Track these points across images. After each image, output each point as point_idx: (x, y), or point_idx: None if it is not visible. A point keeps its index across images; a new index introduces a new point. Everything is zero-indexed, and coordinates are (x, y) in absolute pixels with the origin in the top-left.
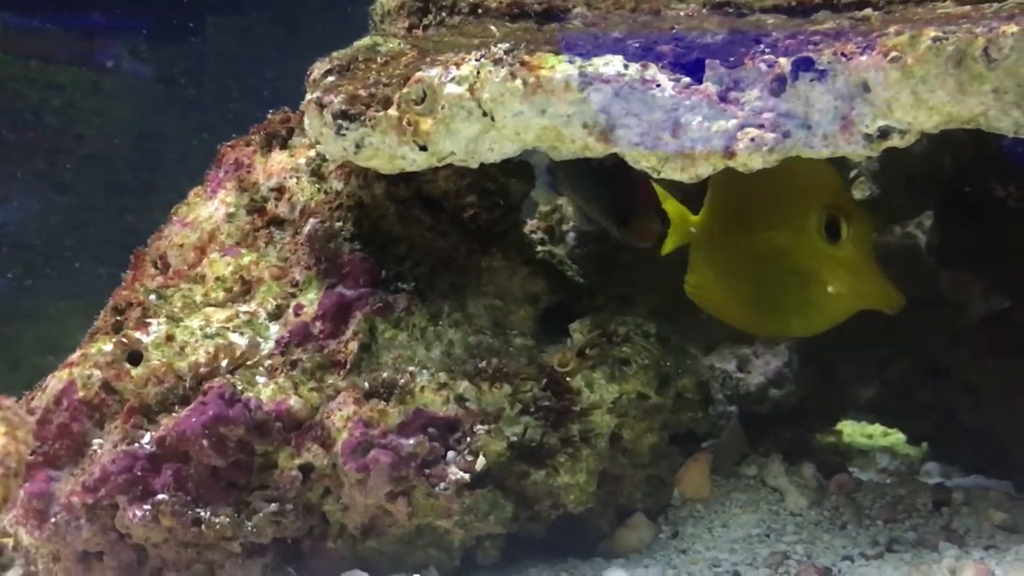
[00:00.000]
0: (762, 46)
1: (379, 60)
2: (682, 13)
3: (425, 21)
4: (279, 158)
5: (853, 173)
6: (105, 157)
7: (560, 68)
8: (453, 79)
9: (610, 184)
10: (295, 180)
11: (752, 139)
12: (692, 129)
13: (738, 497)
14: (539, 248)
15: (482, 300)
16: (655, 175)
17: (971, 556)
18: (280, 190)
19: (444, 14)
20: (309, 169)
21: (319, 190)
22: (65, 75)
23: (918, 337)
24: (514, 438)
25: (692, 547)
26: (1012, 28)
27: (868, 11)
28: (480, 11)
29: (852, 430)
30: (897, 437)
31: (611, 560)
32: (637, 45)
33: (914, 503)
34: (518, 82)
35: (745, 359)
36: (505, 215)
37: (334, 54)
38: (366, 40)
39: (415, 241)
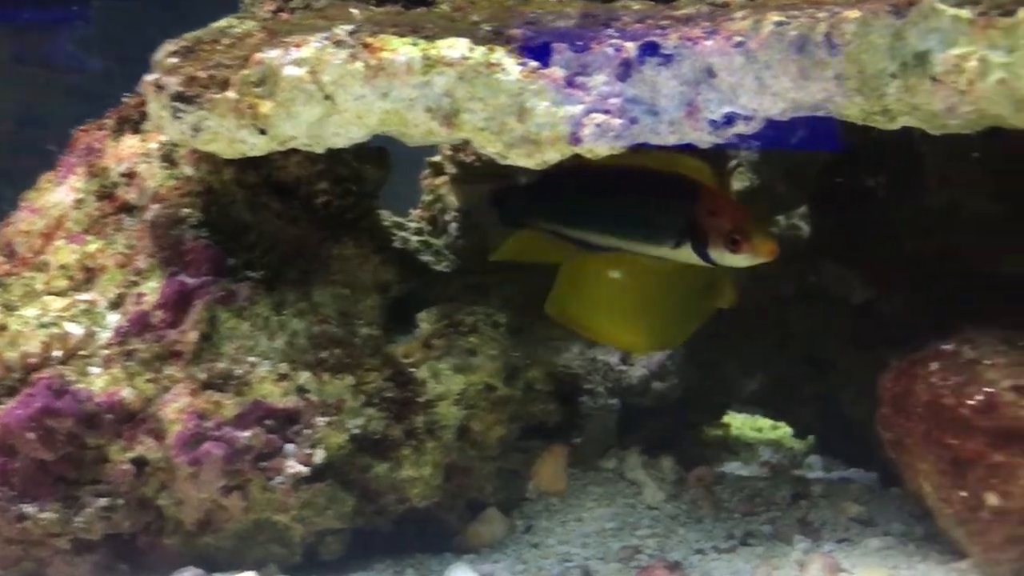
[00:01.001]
0: (611, 30)
1: (225, 41)
2: None
3: (292, 4)
4: (130, 142)
5: (733, 163)
6: None
7: (403, 50)
8: (293, 61)
9: (665, 202)
10: (146, 165)
11: (598, 125)
12: (538, 114)
13: (595, 490)
14: (416, 237)
15: (329, 289)
16: (502, 161)
17: (822, 549)
18: (130, 175)
19: None
20: (160, 154)
21: (170, 176)
22: None
23: (802, 329)
24: (356, 430)
25: (544, 541)
26: (854, 14)
27: None
28: None
29: (742, 423)
30: (786, 430)
31: (461, 555)
32: (489, 28)
33: (773, 496)
34: (359, 64)
35: None
36: (359, 202)
37: (184, 35)
38: (222, 22)
39: (265, 228)
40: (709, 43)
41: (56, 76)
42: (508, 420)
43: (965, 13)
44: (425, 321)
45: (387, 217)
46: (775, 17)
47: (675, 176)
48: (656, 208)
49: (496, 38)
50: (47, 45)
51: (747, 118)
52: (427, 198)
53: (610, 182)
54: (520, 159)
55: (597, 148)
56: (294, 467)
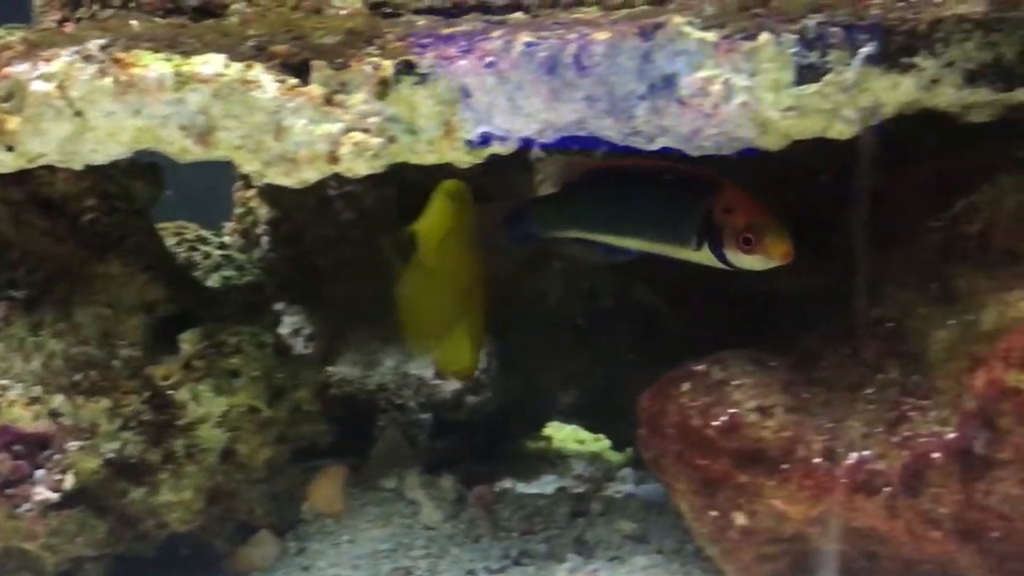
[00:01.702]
0: (372, 47)
1: None
2: (342, 12)
3: (77, 14)
4: None
5: (539, 178)
6: None
7: (154, 66)
8: (41, 75)
9: (684, 199)
10: None
11: (356, 144)
12: (296, 132)
13: (372, 511)
14: (219, 251)
15: (91, 309)
16: (260, 180)
17: (592, 567)
18: None
19: (96, 7)
20: None
21: None
22: None
23: (616, 342)
24: (111, 455)
25: (315, 564)
26: (603, 35)
27: (518, 15)
28: (132, 5)
29: (565, 435)
30: (607, 442)
31: None
32: (253, 44)
33: (552, 514)
34: (108, 80)
35: None
36: (128, 219)
37: None
38: None
39: (30, 246)
40: (463, 63)
41: None
42: (275, 442)
43: (710, 36)
44: (187, 342)
45: (192, 231)
46: (525, 38)
47: (693, 171)
48: (676, 207)
49: (258, 54)
50: None
51: (502, 138)
52: (239, 210)
53: (634, 182)
54: (278, 178)
55: (355, 167)
56: (42, 493)
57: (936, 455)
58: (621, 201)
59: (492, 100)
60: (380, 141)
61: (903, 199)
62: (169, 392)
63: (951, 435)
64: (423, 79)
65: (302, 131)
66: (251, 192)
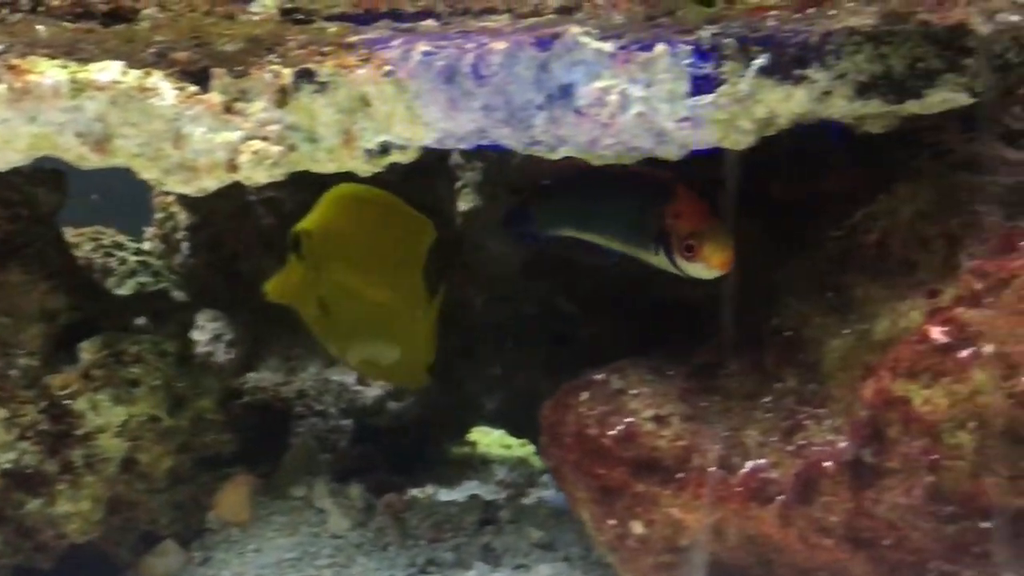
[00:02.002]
0: (273, 55)
1: None
2: (256, 18)
3: None
4: None
5: (459, 184)
6: None
7: (50, 73)
8: None
9: (646, 203)
10: None
11: (255, 152)
12: (195, 140)
13: (279, 519)
14: (135, 257)
15: None
16: (160, 187)
17: (496, 575)
18: None
19: (7, 11)
20: None
21: None
22: None
23: (540, 348)
24: (8, 465)
25: (220, 573)
26: (501, 45)
27: (429, 22)
28: (41, 9)
29: (491, 440)
30: (532, 447)
31: None
32: (155, 51)
33: (461, 522)
34: (2, 87)
35: None
36: (30, 227)
37: None
38: None
39: None
40: (362, 72)
41: None
42: (177, 451)
43: (608, 47)
44: (87, 351)
45: (109, 236)
46: (423, 47)
47: (657, 174)
48: (641, 210)
49: (159, 61)
50: None
51: (402, 147)
52: (160, 215)
53: (620, 183)
54: (178, 186)
55: (255, 175)
56: None
57: (828, 464)
58: (603, 202)
59: (391, 109)
60: (280, 149)
61: (809, 207)
62: (67, 402)
63: (842, 444)
64: (323, 87)
65: (201, 139)
66: (171, 197)
